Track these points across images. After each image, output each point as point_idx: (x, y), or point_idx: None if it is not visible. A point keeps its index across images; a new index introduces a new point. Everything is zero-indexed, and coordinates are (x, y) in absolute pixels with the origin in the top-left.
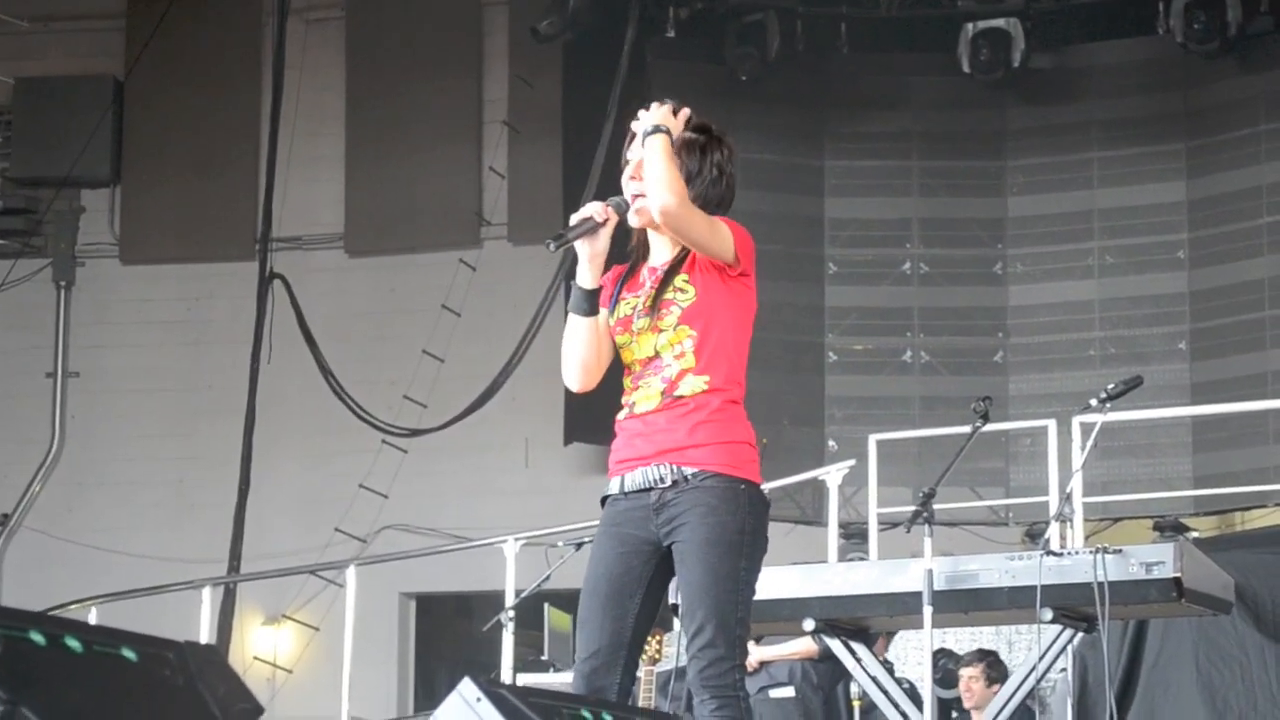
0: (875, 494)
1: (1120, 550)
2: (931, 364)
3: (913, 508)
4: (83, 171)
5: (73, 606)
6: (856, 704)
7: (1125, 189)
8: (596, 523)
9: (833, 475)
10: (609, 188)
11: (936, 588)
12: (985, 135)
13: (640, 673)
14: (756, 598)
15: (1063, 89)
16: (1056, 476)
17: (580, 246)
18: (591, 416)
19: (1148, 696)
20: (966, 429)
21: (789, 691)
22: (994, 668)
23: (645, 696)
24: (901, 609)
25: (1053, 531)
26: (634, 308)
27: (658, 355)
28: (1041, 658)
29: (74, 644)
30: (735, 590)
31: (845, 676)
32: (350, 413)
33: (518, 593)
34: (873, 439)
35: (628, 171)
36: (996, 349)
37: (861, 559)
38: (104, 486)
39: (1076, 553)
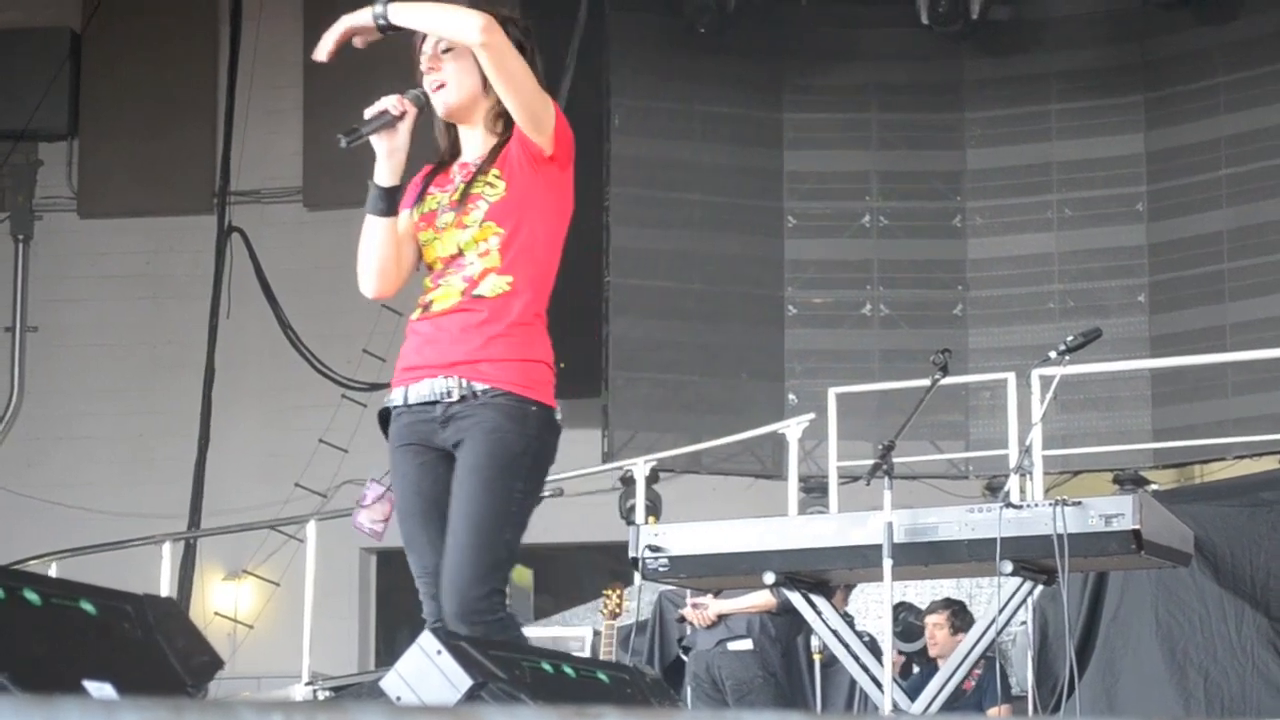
0: (835, 447)
1: (1080, 503)
2: (891, 317)
3: (873, 461)
4: (40, 124)
5: (32, 562)
6: (817, 657)
7: (1084, 141)
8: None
9: (792, 429)
10: None
11: (896, 540)
12: (943, 87)
13: (601, 627)
14: (717, 551)
15: (1021, 41)
16: (1016, 429)
17: (377, 142)
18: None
19: (1107, 648)
20: (926, 382)
21: (747, 644)
22: (959, 616)
23: (606, 650)
24: (861, 562)
25: (1012, 484)
26: (440, 203)
27: (461, 253)
28: (1001, 610)
29: (32, 597)
30: (505, 512)
31: (804, 629)
32: (310, 367)
33: None
34: (832, 392)
35: (424, 64)
36: (956, 302)
37: (821, 513)
38: (63, 441)
39: (1036, 505)
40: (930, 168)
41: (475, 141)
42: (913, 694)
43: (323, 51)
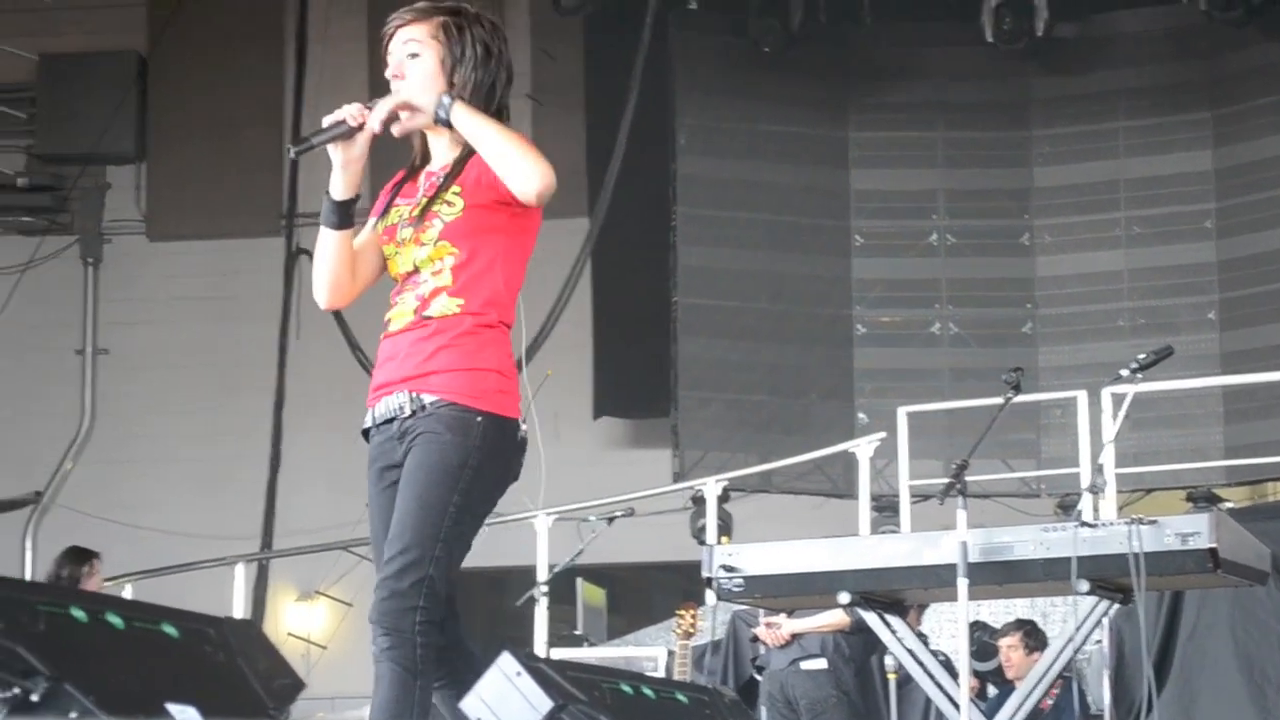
0: (906, 466)
1: (1155, 521)
2: (960, 336)
3: (943, 480)
4: (108, 148)
5: (108, 583)
6: (892, 677)
7: (1152, 158)
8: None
9: (863, 448)
10: (634, 160)
11: (971, 560)
12: (1010, 105)
13: (675, 647)
14: (791, 570)
15: (1087, 58)
16: (1088, 448)
17: (333, 152)
18: (621, 390)
19: (1184, 668)
20: (996, 401)
21: (821, 663)
22: (1032, 636)
23: (680, 670)
24: (936, 581)
25: (1085, 503)
26: (402, 216)
27: (417, 270)
28: (1078, 629)
29: (115, 620)
30: (438, 525)
31: (877, 648)
32: None
33: (550, 567)
34: (902, 411)
35: (390, 71)
36: (1025, 320)
37: (893, 531)
38: (134, 463)
39: (1111, 524)
40: (998, 185)
41: (441, 148)
42: (990, 715)
43: (375, 120)
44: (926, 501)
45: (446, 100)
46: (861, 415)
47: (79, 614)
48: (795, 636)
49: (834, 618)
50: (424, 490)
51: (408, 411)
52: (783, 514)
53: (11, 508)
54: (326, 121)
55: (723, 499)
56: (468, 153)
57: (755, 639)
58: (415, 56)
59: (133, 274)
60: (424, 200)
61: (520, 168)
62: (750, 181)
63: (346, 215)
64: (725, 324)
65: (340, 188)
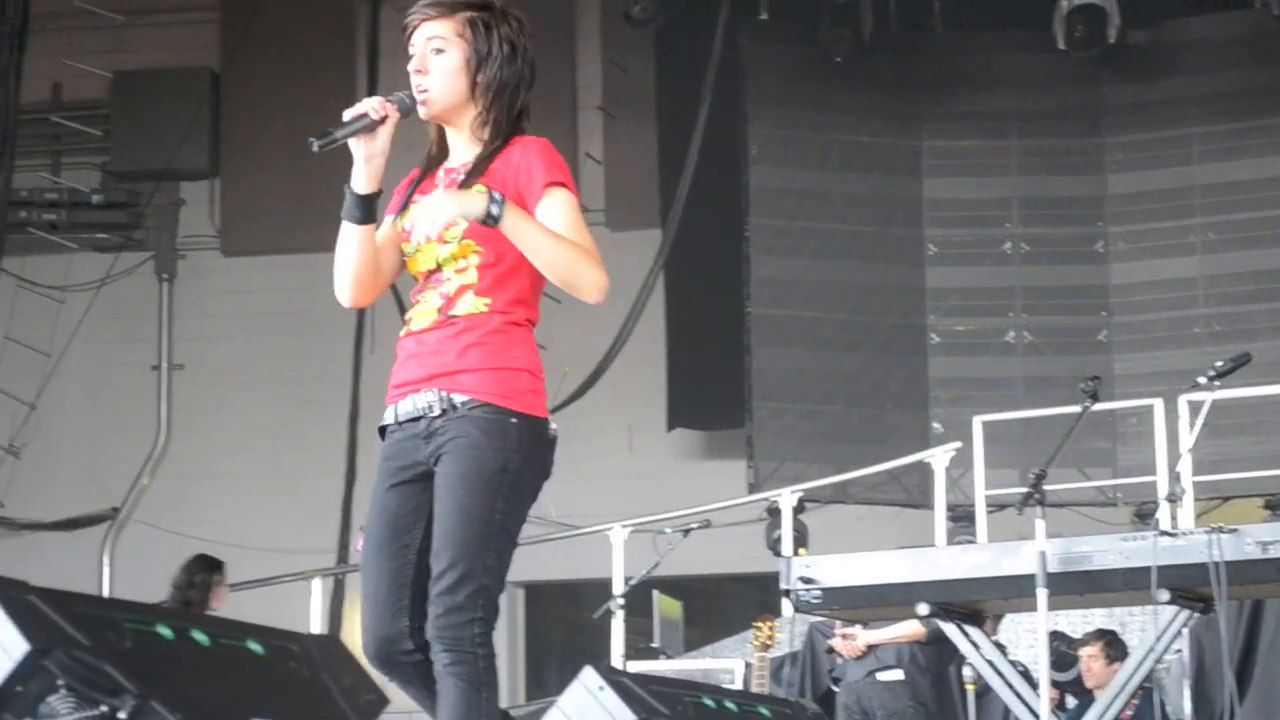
0: (981, 476)
1: (1235, 530)
2: (1035, 344)
3: (1018, 489)
4: (182, 164)
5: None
6: (970, 687)
7: (1225, 164)
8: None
9: (939, 458)
10: (706, 171)
11: (1050, 570)
12: (1082, 112)
13: (752, 659)
14: (870, 582)
15: (1159, 64)
16: (1164, 456)
17: (355, 146)
18: (695, 402)
19: (1266, 676)
20: (1071, 409)
21: (897, 674)
22: (1113, 646)
23: (758, 683)
24: (1015, 591)
25: (1163, 512)
26: None
27: (440, 268)
28: (1158, 639)
29: (200, 637)
30: (486, 534)
31: (953, 659)
32: None
33: (626, 580)
34: (977, 420)
35: (412, 65)
36: (1100, 328)
37: (969, 542)
38: (210, 478)
39: (1191, 533)
40: (1071, 193)
41: (461, 146)
42: None
43: (431, 232)
44: (1002, 511)
45: (495, 209)
46: (936, 425)
47: (165, 631)
48: (871, 648)
49: (909, 628)
50: (467, 500)
51: (437, 411)
52: (858, 525)
53: (89, 524)
54: (348, 115)
55: (798, 510)
56: (489, 151)
57: (830, 650)
58: (440, 53)
59: (207, 289)
60: None
61: (580, 282)
62: (823, 191)
63: (370, 210)
64: (799, 334)
65: (363, 181)
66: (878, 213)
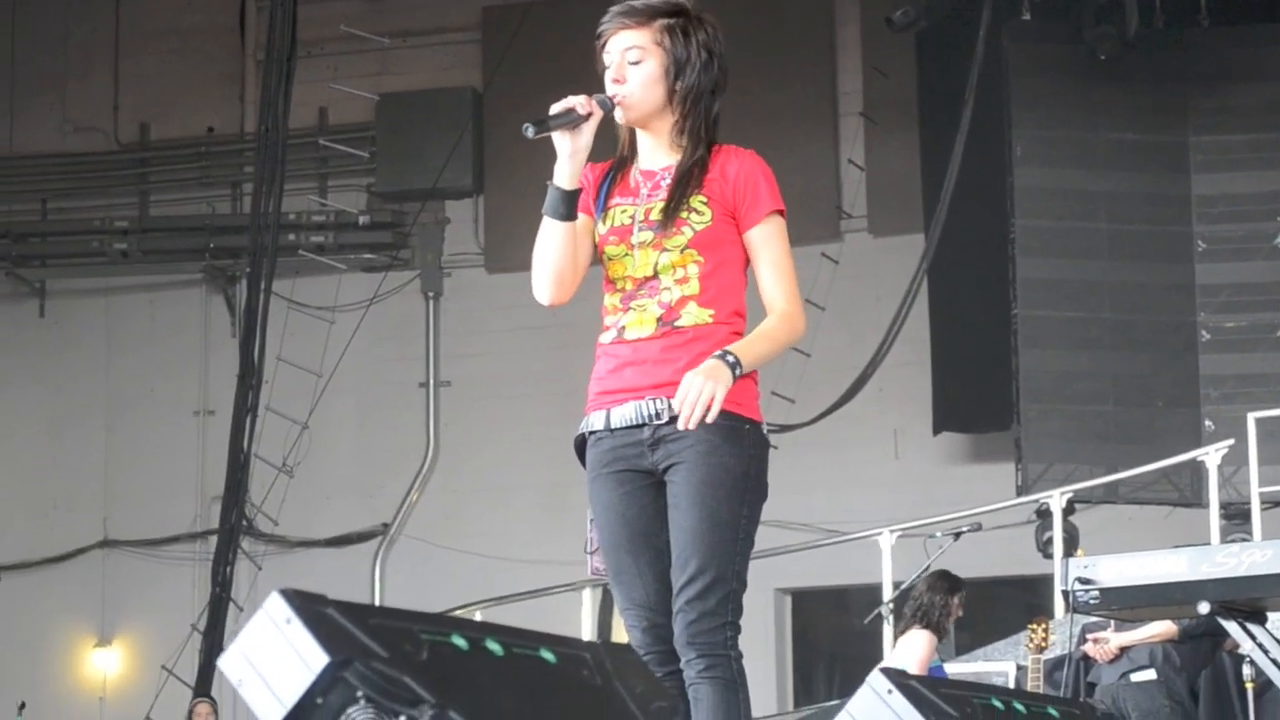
0: (1256, 473)
1: None
2: None
3: None
4: (446, 183)
5: (457, 611)
6: (1249, 685)
7: None
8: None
9: (1212, 455)
10: (969, 173)
11: None
12: None
13: (1025, 661)
14: (1149, 581)
15: None
16: None
17: (560, 140)
18: (961, 405)
19: None
20: None
21: (1151, 674)
22: None
23: (1033, 685)
24: None
25: None
26: (633, 217)
27: (656, 276)
28: None
29: (495, 647)
30: (734, 540)
31: (1211, 658)
32: None
33: (895, 584)
34: (1251, 417)
35: (610, 74)
36: None
37: (1244, 539)
38: (479, 493)
39: None
40: None
41: (656, 151)
42: None
43: (711, 417)
44: (1277, 508)
45: (739, 370)
46: (1208, 422)
47: (460, 642)
48: (1124, 650)
49: (1160, 628)
50: (715, 507)
51: (665, 418)
52: (1129, 525)
53: (360, 540)
54: (555, 109)
55: (1067, 511)
56: (696, 159)
57: (1085, 656)
58: (637, 63)
59: (472, 306)
60: (664, 204)
61: (793, 340)
62: (1088, 190)
63: (573, 206)
64: (1067, 335)
65: (567, 177)
66: (1145, 210)
